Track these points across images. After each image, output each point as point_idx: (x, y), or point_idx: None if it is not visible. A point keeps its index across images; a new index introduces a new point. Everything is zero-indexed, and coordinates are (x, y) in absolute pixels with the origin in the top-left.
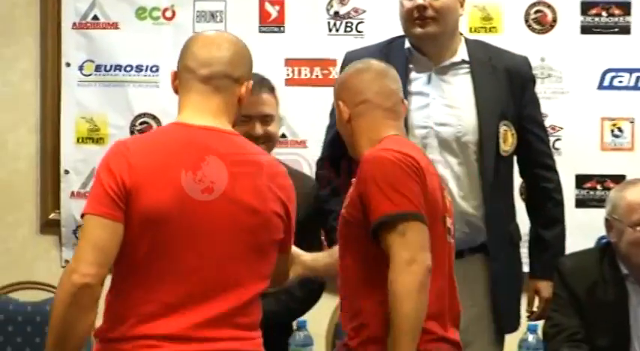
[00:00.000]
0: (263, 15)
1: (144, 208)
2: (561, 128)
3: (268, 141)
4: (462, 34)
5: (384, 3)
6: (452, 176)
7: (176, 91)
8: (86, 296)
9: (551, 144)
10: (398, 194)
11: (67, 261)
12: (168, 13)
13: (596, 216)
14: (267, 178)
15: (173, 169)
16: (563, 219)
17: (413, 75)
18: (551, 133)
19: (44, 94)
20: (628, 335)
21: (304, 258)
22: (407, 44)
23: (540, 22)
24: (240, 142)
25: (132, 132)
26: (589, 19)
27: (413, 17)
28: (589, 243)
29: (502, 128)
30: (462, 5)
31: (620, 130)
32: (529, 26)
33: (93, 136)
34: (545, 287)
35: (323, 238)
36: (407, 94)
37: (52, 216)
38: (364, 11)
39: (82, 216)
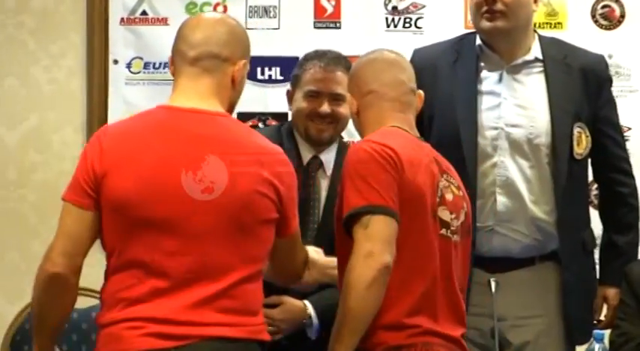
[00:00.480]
0: (318, 10)
1: (110, 193)
2: (629, 128)
3: (335, 121)
4: (536, 31)
5: None
6: (522, 180)
7: (174, 75)
8: (57, 285)
9: None
10: (367, 187)
11: None
12: (220, 8)
13: None
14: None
15: (144, 153)
16: (637, 225)
17: (484, 73)
18: None
19: (90, 92)
20: None
21: (323, 263)
22: (478, 41)
23: (608, 18)
24: (225, 123)
25: None
26: None
27: (481, 11)
28: None
29: (576, 130)
30: (535, 1)
31: None
32: (596, 22)
33: None
34: (615, 295)
35: None
36: (477, 93)
37: None
38: (424, 6)
39: None
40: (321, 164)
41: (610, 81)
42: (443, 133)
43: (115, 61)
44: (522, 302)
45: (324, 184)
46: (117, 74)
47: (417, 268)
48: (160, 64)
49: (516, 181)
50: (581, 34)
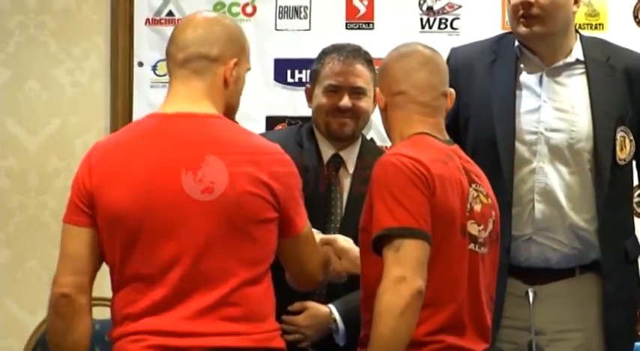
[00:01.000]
0: (350, 11)
1: (105, 207)
2: None
3: (356, 117)
4: (577, 32)
5: None
6: (562, 186)
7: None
8: (66, 306)
9: None
10: (399, 206)
11: None
12: (249, 9)
13: None
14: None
15: (136, 163)
16: None
17: (523, 75)
18: None
19: (114, 96)
20: None
21: (354, 253)
22: (517, 42)
23: None
24: (217, 124)
25: None
26: None
27: (518, 15)
28: None
29: (619, 134)
30: (576, 2)
31: None
32: (638, 23)
33: None
34: None
35: None
36: (515, 95)
37: None
38: (460, 6)
39: None
40: (342, 162)
41: None
42: (479, 136)
43: (140, 64)
44: (561, 315)
45: (346, 183)
46: (142, 77)
47: (446, 289)
48: None
49: (556, 188)
50: (623, 34)
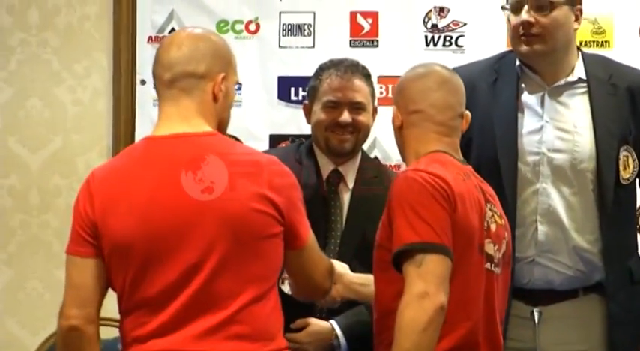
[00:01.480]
0: (355, 28)
1: (110, 234)
2: None
3: (356, 131)
4: (579, 49)
5: (486, 15)
6: (565, 207)
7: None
8: (75, 338)
9: None
10: (420, 221)
11: None
12: (252, 27)
13: None
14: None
15: (135, 187)
16: None
17: (524, 95)
18: None
19: (117, 114)
20: None
21: (349, 278)
22: (518, 61)
23: None
24: (212, 142)
25: None
26: None
27: (518, 34)
28: None
29: (622, 154)
30: (577, 19)
31: None
32: None
33: None
34: None
35: None
36: (517, 116)
37: None
38: (465, 24)
39: None
40: (341, 177)
41: None
42: (481, 158)
43: (143, 82)
44: (565, 336)
45: (345, 198)
46: (144, 95)
47: (463, 307)
48: None
49: (559, 210)
50: (629, 52)
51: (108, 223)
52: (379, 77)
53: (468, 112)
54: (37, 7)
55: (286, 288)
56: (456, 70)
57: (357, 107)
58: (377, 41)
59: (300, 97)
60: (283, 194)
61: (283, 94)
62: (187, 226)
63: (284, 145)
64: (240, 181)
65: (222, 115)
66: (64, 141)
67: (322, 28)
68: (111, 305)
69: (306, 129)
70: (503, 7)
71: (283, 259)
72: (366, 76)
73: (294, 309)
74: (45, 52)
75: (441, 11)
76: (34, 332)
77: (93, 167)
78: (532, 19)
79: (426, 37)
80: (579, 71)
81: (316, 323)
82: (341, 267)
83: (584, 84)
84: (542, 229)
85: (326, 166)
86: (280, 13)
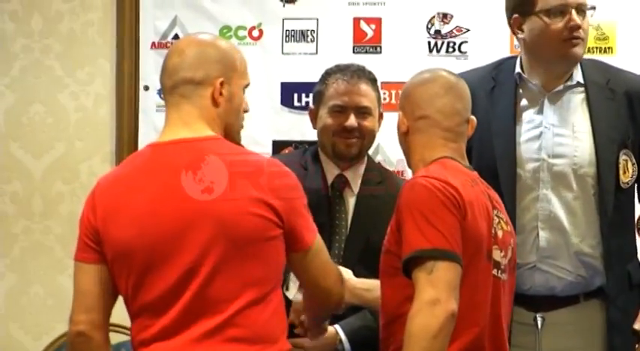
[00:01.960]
0: (358, 34)
1: (111, 241)
2: None
3: (362, 136)
4: None
5: (489, 21)
6: (566, 213)
7: None
8: (82, 344)
9: None
10: (430, 228)
11: None
12: (255, 33)
13: None
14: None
15: (137, 196)
16: None
17: (523, 102)
18: None
19: (120, 120)
20: None
21: (353, 284)
22: (517, 69)
23: None
24: (213, 146)
25: None
26: None
27: (566, 37)
28: None
29: (622, 158)
30: None
31: None
32: None
33: None
34: None
35: None
36: (516, 123)
37: None
38: (468, 30)
39: None
40: (346, 182)
41: None
42: (481, 165)
43: (146, 88)
44: (567, 342)
45: (350, 203)
46: (148, 101)
47: (470, 313)
48: None
49: (560, 215)
50: (632, 58)
51: (109, 231)
52: (382, 83)
53: (473, 118)
54: (40, 14)
55: (290, 294)
56: None
57: (363, 112)
58: (380, 47)
59: (303, 103)
60: (283, 197)
61: (286, 100)
62: (185, 230)
63: (287, 151)
64: (241, 182)
65: (229, 118)
66: (67, 147)
67: (325, 35)
68: (115, 311)
69: (309, 135)
70: (536, 13)
71: (287, 262)
72: (373, 81)
73: None
74: (48, 58)
75: (444, 17)
76: (37, 337)
77: (96, 173)
78: (580, 23)
79: (429, 43)
80: (577, 75)
81: None
82: (344, 273)
83: (583, 89)
84: (543, 235)
85: (331, 171)
86: (283, 19)
